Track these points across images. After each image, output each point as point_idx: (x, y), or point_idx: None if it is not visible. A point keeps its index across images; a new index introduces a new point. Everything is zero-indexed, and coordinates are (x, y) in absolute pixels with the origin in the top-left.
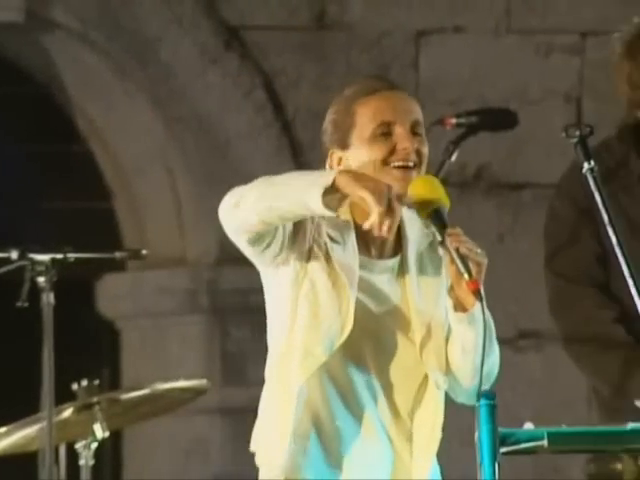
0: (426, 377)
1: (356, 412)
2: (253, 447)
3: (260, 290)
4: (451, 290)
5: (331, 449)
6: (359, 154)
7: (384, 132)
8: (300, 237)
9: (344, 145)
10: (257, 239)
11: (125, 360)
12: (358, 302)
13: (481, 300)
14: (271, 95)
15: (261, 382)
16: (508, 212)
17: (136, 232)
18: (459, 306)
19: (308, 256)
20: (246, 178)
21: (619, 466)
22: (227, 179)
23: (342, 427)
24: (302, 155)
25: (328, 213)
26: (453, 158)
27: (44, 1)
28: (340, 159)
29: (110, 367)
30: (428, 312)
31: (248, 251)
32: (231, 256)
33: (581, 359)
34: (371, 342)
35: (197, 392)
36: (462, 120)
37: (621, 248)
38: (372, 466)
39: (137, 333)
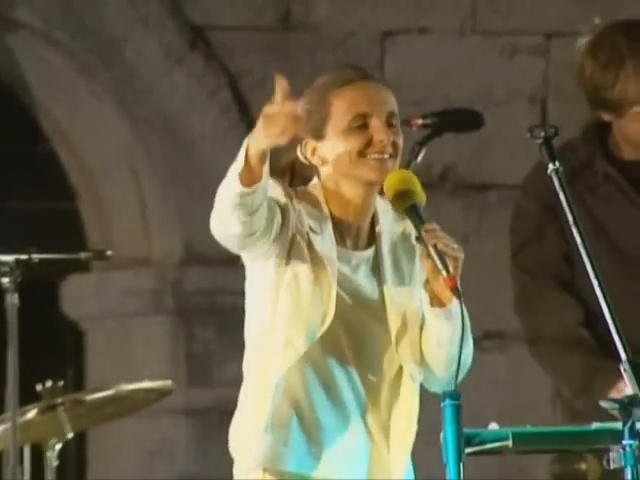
0: (401, 369)
1: (336, 404)
2: (230, 440)
3: (225, 290)
4: (427, 284)
5: (312, 439)
6: (334, 145)
7: (360, 124)
8: (285, 225)
9: (319, 135)
10: (261, 235)
11: (90, 361)
12: (336, 294)
13: (459, 297)
14: (236, 95)
15: (226, 382)
16: (473, 213)
17: (101, 233)
18: (436, 301)
19: (291, 245)
20: (211, 179)
21: (583, 466)
22: (192, 180)
23: (322, 418)
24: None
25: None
26: (419, 159)
27: (7, 0)
28: (314, 149)
29: (75, 368)
30: (403, 303)
31: (253, 252)
32: (196, 257)
33: (545, 360)
34: (349, 334)
35: (162, 393)
36: (427, 121)
37: (586, 248)
38: (351, 457)
39: (102, 334)
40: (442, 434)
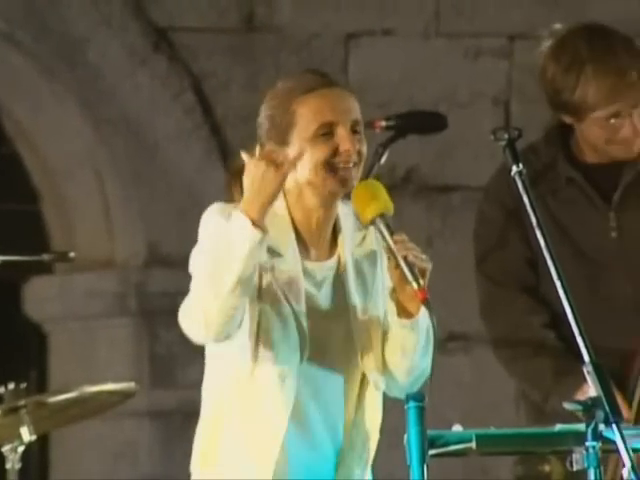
0: (365, 378)
1: (300, 415)
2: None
3: (189, 292)
4: (393, 294)
5: (273, 451)
6: (300, 154)
7: (325, 132)
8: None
9: (282, 142)
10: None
11: (53, 363)
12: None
13: (430, 309)
14: (200, 97)
15: (190, 384)
16: (437, 215)
17: (64, 235)
18: (402, 311)
19: (259, 287)
20: (175, 180)
21: (547, 467)
22: (156, 181)
23: (287, 436)
24: (231, 157)
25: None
26: (382, 161)
27: None
28: None
29: (38, 370)
30: (366, 311)
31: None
32: (160, 258)
33: (510, 364)
34: (313, 345)
35: (125, 395)
36: (391, 123)
37: (549, 251)
38: (315, 466)
39: (65, 336)
40: (405, 436)
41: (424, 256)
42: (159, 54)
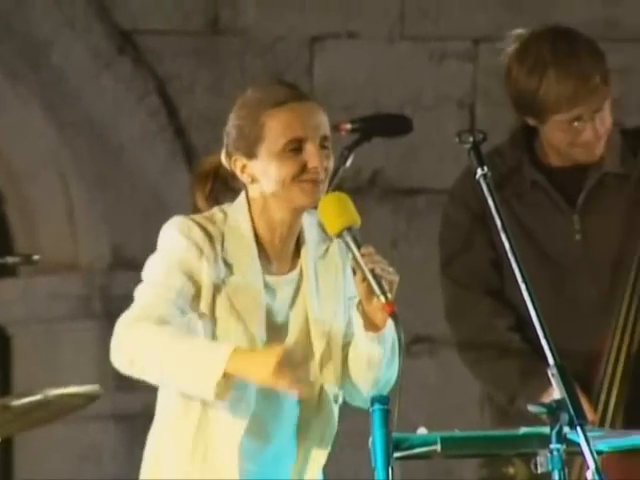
0: (322, 391)
1: (258, 429)
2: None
3: None
4: (359, 307)
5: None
6: (267, 167)
7: (294, 148)
8: (197, 297)
9: (250, 154)
10: None
11: (17, 366)
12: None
13: (397, 322)
14: (165, 100)
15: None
16: (402, 217)
17: (28, 237)
18: (369, 324)
19: (213, 302)
20: (139, 183)
21: (511, 470)
22: (120, 184)
23: (244, 444)
24: (195, 160)
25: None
26: (348, 164)
27: None
28: (244, 166)
29: (1, 373)
30: (327, 322)
31: None
32: (124, 261)
33: (476, 367)
34: None
35: (90, 398)
36: (356, 126)
37: (514, 254)
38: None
39: (29, 339)
40: (370, 438)
41: (391, 269)
42: (123, 57)
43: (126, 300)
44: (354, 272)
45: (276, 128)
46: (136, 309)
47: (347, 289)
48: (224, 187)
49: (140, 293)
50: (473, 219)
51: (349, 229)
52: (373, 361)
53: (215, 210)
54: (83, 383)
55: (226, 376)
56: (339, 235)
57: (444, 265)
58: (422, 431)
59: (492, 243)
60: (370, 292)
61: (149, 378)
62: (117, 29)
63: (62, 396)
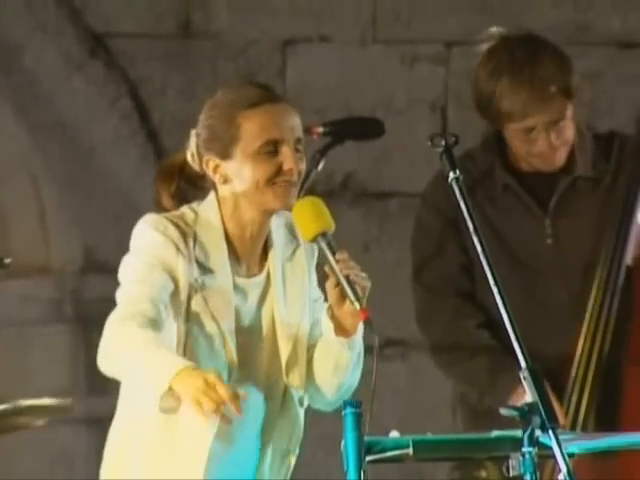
0: (287, 394)
1: (225, 436)
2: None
3: None
4: (330, 313)
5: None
6: (242, 168)
7: (270, 150)
8: (177, 294)
9: (224, 155)
10: None
11: None
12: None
13: (372, 328)
14: (137, 103)
15: None
16: (374, 221)
17: None
18: (339, 329)
19: (188, 304)
20: (111, 186)
21: (483, 473)
22: (92, 187)
23: (211, 447)
24: None
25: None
26: (320, 167)
27: None
28: (217, 167)
29: None
30: (294, 325)
31: None
32: (96, 264)
33: (448, 368)
34: (243, 365)
35: (60, 410)
36: (328, 129)
37: (486, 258)
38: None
39: (0, 342)
40: (342, 442)
41: (364, 274)
42: (95, 60)
43: (97, 303)
44: (328, 278)
45: (252, 129)
46: (120, 311)
47: (312, 291)
48: (190, 186)
49: (122, 294)
50: (445, 223)
51: (324, 235)
52: (340, 366)
53: (185, 209)
54: (54, 387)
55: (171, 391)
56: (314, 240)
57: (417, 271)
58: (394, 434)
59: (464, 247)
60: (341, 297)
61: (119, 374)
62: (89, 32)
63: (33, 407)
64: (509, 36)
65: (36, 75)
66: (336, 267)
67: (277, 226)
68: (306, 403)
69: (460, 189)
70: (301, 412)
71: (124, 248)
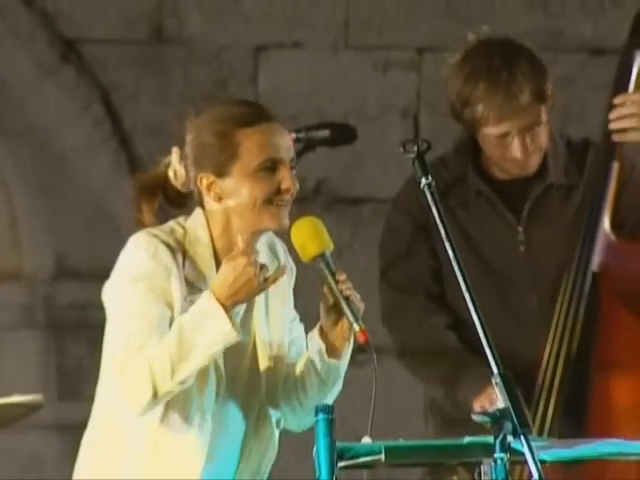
0: (261, 413)
1: (212, 457)
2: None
3: (97, 305)
4: (322, 334)
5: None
6: (239, 186)
7: (268, 167)
8: (173, 315)
9: (220, 172)
10: None
11: None
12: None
13: (371, 350)
14: (109, 109)
15: None
16: (347, 227)
17: None
18: (332, 350)
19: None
20: (83, 192)
21: (455, 479)
22: (63, 193)
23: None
24: (140, 169)
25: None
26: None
27: None
28: (211, 184)
29: None
30: (275, 345)
31: None
32: (68, 271)
33: (414, 366)
34: (226, 384)
35: (32, 408)
36: (301, 135)
37: (458, 263)
38: None
39: None
40: (315, 448)
41: (358, 295)
42: (67, 65)
43: (69, 310)
44: (322, 298)
45: (252, 148)
46: (123, 353)
47: (290, 312)
48: (169, 204)
49: (120, 331)
50: (416, 227)
51: (323, 256)
52: (328, 385)
53: (173, 224)
54: (26, 392)
55: (228, 311)
56: (312, 260)
57: (384, 271)
58: (366, 440)
59: (434, 252)
60: (337, 318)
61: (179, 380)
62: (61, 38)
63: (4, 406)
64: (485, 40)
65: (7, 80)
66: (336, 288)
67: (259, 245)
68: (282, 425)
69: (432, 195)
70: (276, 433)
71: (96, 254)
